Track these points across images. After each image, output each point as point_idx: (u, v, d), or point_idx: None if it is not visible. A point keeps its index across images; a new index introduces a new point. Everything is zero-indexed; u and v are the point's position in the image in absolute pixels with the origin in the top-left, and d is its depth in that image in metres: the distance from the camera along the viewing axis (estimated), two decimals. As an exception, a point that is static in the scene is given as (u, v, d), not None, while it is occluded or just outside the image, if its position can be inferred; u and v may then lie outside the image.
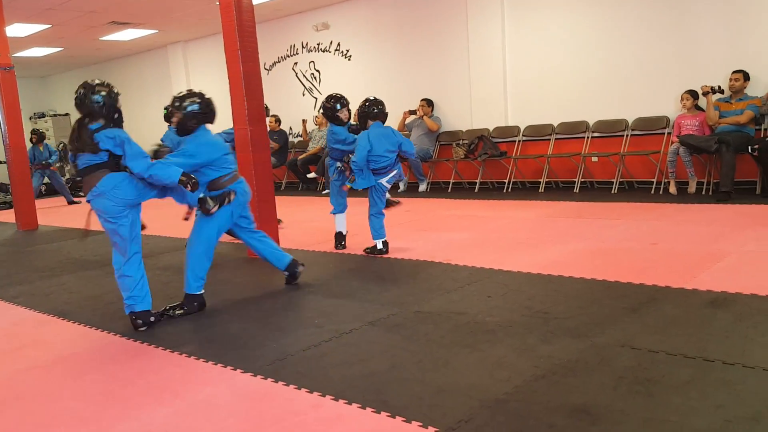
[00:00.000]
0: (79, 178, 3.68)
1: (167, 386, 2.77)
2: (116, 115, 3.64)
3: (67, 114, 16.55)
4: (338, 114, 5.41)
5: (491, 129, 9.09)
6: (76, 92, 3.63)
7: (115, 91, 3.70)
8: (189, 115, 3.78)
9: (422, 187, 9.43)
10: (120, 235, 3.51)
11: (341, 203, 5.52)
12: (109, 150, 3.49)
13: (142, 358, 3.17)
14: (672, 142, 7.28)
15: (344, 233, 5.54)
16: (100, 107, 3.57)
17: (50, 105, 17.33)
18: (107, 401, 2.65)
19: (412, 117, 9.73)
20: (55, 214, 10.15)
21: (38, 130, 12.06)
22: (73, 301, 4.40)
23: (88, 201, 3.56)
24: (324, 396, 2.51)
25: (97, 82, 3.68)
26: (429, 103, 9.64)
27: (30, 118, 16.70)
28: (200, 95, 3.88)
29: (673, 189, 7.24)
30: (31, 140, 11.29)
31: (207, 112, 3.85)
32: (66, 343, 3.52)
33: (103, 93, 3.60)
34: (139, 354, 3.23)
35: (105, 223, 3.54)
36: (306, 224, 7.04)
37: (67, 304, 4.35)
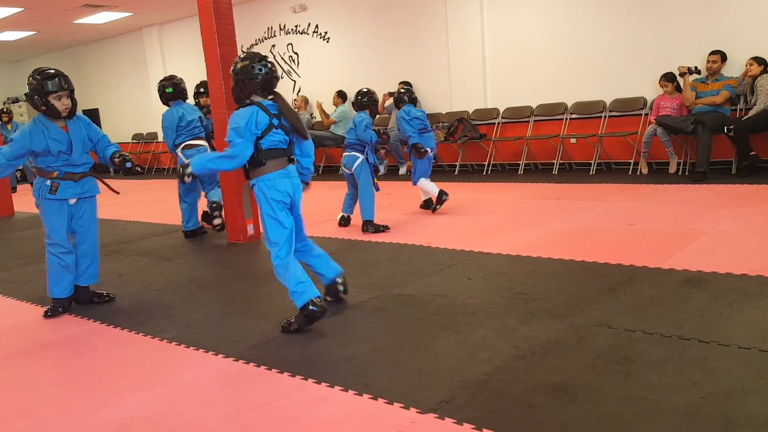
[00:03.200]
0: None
1: (148, 372, 2.76)
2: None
3: (41, 98, 16.29)
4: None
5: (470, 111, 9.11)
6: None
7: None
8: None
9: (402, 170, 9.43)
10: None
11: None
12: None
13: (123, 344, 3.16)
14: (649, 123, 7.35)
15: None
16: None
17: (24, 89, 17.01)
18: (88, 388, 2.64)
19: (391, 99, 9.70)
20: (32, 200, 9.99)
21: (7, 109, 12.01)
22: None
23: None
24: (306, 379, 2.52)
25: None
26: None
27: (3, 103, 16.40)
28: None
29: (644, 169, 7.34)
30: (0, 119, 11.62)
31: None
32: (45, 330, 3.49)
33: None
34: (119, 340, 3.22)
35: None
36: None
37: (45, 291, 4.30)
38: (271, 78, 3.22)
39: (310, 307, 3.02)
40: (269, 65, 3.21)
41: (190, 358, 2.89)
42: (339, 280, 3.49)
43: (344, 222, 5.71)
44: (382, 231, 5.31)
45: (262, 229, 3.27)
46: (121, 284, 4.30)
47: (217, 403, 2.40)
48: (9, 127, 11.62)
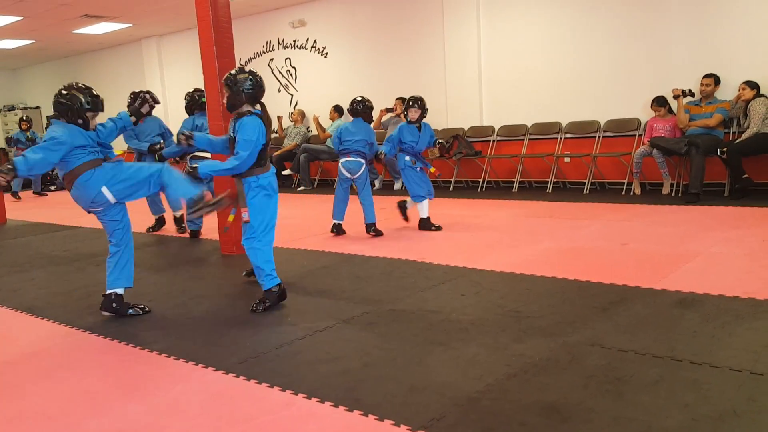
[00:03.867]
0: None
1: (137, 384, 2.74)
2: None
3: (37, 107, 16.26)
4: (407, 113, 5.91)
5: (466, 128, 9.15)
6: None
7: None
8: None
9: (397, 185, 9.44)
10: None
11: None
12: None
13: (112, 355, 3.13)
14: (642, 144, 7.40)
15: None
16: None
17: (21, 98, 17.00)
18: (76, 398, 2.61)
19: (389, 115, 9.74)
20: (24, 208, 9.96)
21: (27, 117, 12.07)
22: (42, 297, 4.33)
23: None
24: (296, 394, 2.50)
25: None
26: (403, 101, 9.64)
27: (0, 111, 16.38)
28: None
29: (637, 190, 7.39)
30: (20, 126, 11.77)
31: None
32: (34, 339, 3.46)
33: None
34: (108, 351, 3.19)
35: None
36: (280, 221, 6.97)
37: (36, 299, 4.27)
38: (262, 89, 3.73)
39: (277, 290, 3.71)
40: (260, 78, 3.73)
41: (179, 370, 2.86)
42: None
43: (337, 229, 5.81)
44: (380, 235, 5.65)
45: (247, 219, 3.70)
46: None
47: (205, 416, 2.38)
48: (28, 134, 11.64)
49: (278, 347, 3.05)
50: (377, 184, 9.63)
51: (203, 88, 5.91)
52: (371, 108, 5.90)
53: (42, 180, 12.74)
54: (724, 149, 6.55)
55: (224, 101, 3.75)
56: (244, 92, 3.63)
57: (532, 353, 2.76)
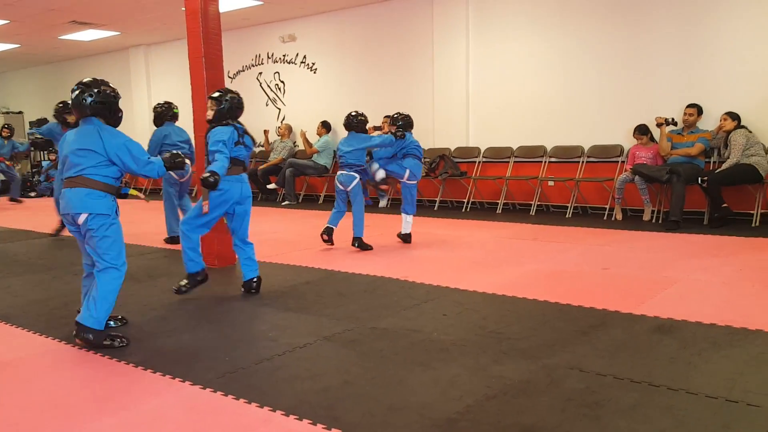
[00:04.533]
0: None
1: (112, 396, 2.70)
2: None
3: (20, 112, 16.10)
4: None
5: (452, 149, 9.20)
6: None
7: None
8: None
9: (382, 203, 9.45)
10: None
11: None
12: None
13: (87, 366, 3.09)
14: (625, 170, 7.49)
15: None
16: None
17: (3, 102, 16.83)
18: (49, 410, 2.57)
19: (377, 133, 9.77)
20: (0, 214, 9.82)
21: (8, 125, 11.67)
22: (17, 305, 4.26)
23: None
24: (274, 411, 2.48)
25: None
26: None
27: (-19, 114, 16.19)
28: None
29: (619, 215, 7.47)
30: (1, 134, 11.14)
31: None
32: (8, 348, 3.40)
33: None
34: (84, 362, 3.14)
35: None
36: (264, 235, 6.97)
37: (11, 307, 4.21)
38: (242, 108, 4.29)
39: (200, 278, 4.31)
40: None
41: (156, 383, 2.83)
42: (254, 282, 4.38)
43: (327, 232, 5.93)
44: (367, 249, 5.77)
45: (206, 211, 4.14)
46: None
47: (182, 431, 2.35)
48: (6, 142, 11.24)
49: (257, 363, 3.02)
50: (383, 202, 9.53)
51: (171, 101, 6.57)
52: (365, 122, 6.07)
53: (21, 186, 12.59)
54: (705, 178, 6.65)
55: (210, 115, 4.16)
56: (234, 110, 4.21)
57: (511, 375, 2.77)
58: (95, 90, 3.34)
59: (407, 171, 6.11)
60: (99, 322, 3.29)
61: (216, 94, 4.19)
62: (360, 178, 5.86)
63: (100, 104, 3.33)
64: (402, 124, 6.14)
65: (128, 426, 2.40)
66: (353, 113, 6.04)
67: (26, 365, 3.13)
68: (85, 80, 3.39)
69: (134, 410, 2.54)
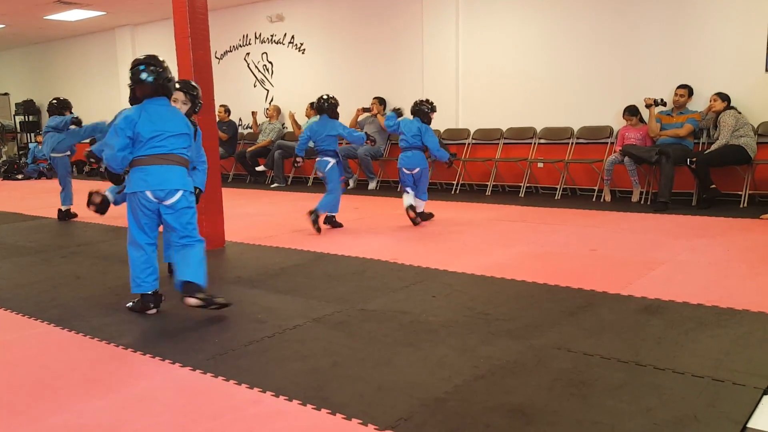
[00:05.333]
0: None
1: (102, 378, 2.69)
2: None
3: (6, 93, 15.90)
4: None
5: (442, 130, 9.19)
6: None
7: None
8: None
9: (372, 185, 9.45)
10: None
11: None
12: None
13: (76, 348, 3.08)
14: (614, 152, 7.51)
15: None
16: None
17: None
18: (39, 392, 2.56)
19: (366, 114, 9.74)
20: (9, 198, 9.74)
21: None
22: (5, 288, 4.24)
23: None
24: (264, 392, 2.49)
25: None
26: (381, 101, 9.66)
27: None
28: None
29: (608, 197, 7.51)
30: None
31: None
32: (-5, 331, 3.38)
33: None
34: (73, 345, 3.13)
35: None
36: (253, 218, 6.96)
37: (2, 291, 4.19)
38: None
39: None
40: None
41: (145, 365, 2.82)
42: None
43: (329, 221, 6.04)
44: (338, 227, 5.96)
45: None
46: (78, 287, 4.21)
47: (171, 413, 2.35)
48: None
49: (247, 344, 3.03)
50: (351, 183, 9.64)
51: None
52: (336, 104, 5.99)
53: (8, 168, 12.48)
54: (694, 159, 6.68)
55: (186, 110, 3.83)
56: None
57: (499, 355, 2.79)
58: (164, 66, 3.41)
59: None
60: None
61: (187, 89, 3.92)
62: (336, 162, 5.88)
63: (168, 82, 3.43)
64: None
65: (118, 408, 2.40)
66: (324, 96, 5.99)
67: (15, 348, 3.12)
68: (149, 55, 3.41)
69: (124, 392, 2.54)
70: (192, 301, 3.42)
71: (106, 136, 3.57)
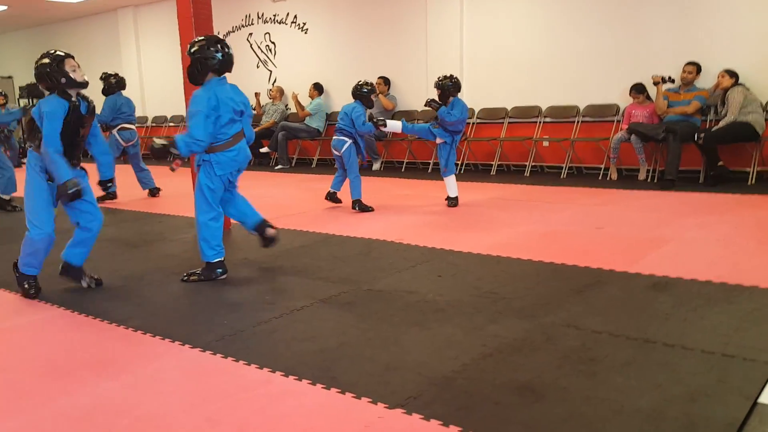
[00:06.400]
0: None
1: (112, 360, 2.71)
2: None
3: (9, 77, 15.85)
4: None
5: (446, 110, 9.12)
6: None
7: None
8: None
9: (376, 166, 9.42)
10: None
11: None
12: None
13: (86, 330, 3.10)
14: (620, 129, 7.46)
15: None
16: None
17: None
18: (50, 374, 2.58)
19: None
20: None
21: (3, 92, 11.38)
22: (12, 271, 4.24)
23: None
24: (274, 372, 2.50)
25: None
26: (386, 81, 9.60)
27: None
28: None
29: (614, 175, 7.47)
30: None
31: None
32: (7, 314, 3.40)
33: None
34: (82, 326, 3.15)
35: None
36: (258, 200, 6.94)
37: (6, 273, 4.19)
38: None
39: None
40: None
41: (155, 347, 2.84)
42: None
43: (330, 197, 6.11)
44: (369, 211, 5.81)
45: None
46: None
47: (182, 393, 2.37)
48: (2, 110, 10.98)
49: (255, 325, 3.04)
50: (377, 165, 9.53)
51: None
52: (371, 92, 6.05)
53: (19, 153, 12.46)
54: (701, 135, 6.63)
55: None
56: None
57: (507, 334, 2.79)
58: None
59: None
60: None
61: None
62: (353, 141, 5.88)
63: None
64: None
65: (129, 388, 2.41)
66: (360, 83, 6.05)
67: (25, 331, 3.14)
68: (211, 37, 3.69)
69: (135, 373, 2.55)
70: (273, 231, 4.05)
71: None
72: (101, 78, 7.42)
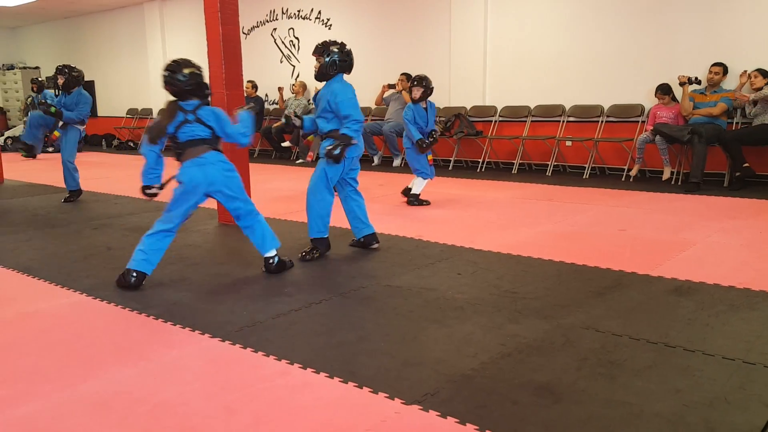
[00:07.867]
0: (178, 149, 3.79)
1: (133, 347, 2.75)
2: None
3: (37, 67, 16.09)
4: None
5: (468, 107, 9.10)
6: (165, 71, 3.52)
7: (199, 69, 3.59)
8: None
9: (396, 162, 9.42)
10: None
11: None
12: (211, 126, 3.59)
13: (108, 317, 3.14)
14: (645, 130, 7.37)
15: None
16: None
17: (20, 57, 16.82)
18: (71, 359, 2.62)
19: (391, 91, 9.68)
20: (22, 169, 9.91)
21: (37, 78, 11.49)
22: (39, 258, 4.32)
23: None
24: (292, 364, 2.52)
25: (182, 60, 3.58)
26: (408, 77, 9.57)
27: (-3, 69, 16.20)
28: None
29: (634, 172, 7.40)
30: (32, 89, 10.97)
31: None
32: (30, 299, 3.46)
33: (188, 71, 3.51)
34: (104, 314, 3.20)
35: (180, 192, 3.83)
36: (278, 193, 6.99)
37: (32, 260, 4.27)
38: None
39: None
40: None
41: (175, 335, 2.87)
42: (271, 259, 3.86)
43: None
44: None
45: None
46: (109, 258, 4.28)
47: (200, 382, 2.39)
48: (38, 96, 11.11)
49: (275, 317, 3.06)
50: (376, 160, 9.64)
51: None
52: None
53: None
54: (726, 138, 6.52)
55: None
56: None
57: (526, 334, 2.78)
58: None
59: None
60: None
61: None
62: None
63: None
64: None
65: (149, 375, 2.44)
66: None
67: (48, 317, 3.19)
68: (343, 43, 4.19)
69: (155, 360, 2.59)
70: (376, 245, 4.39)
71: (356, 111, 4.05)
72: (58, 71, 6.77)
